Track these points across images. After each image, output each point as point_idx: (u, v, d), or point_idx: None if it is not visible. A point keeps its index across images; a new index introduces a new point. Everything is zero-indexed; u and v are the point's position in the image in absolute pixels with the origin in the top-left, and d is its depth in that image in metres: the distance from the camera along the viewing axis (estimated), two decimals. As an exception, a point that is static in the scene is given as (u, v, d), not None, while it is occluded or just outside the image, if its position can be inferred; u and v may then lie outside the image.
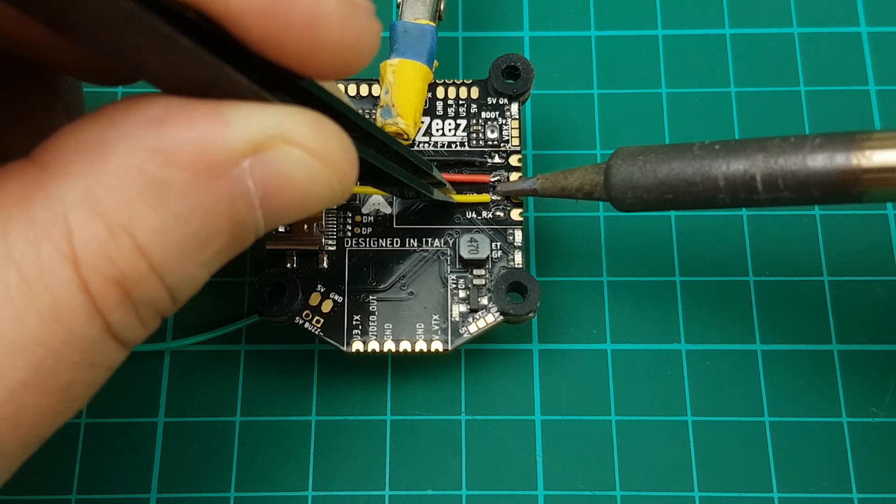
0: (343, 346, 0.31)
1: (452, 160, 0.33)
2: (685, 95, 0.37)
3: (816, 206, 0.36)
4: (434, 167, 0.30)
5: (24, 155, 0.19)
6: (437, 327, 0.31)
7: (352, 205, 0.33)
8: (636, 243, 0.36)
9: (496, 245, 0.32)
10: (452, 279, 0.32)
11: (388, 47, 0.33)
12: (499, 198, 0.32)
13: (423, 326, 0.31)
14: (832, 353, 0.34)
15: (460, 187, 0.32)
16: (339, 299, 0.32)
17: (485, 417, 0.34)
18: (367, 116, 0.33)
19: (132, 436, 0.33)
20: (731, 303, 0.35)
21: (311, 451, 0.33)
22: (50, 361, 0.18)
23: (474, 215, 0.32)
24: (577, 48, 0.38)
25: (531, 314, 0.31)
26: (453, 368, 0.34)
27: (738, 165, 0.27)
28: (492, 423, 0.33)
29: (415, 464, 0.33)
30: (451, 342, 0.31)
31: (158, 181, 0.19)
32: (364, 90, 0.33)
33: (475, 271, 0.32)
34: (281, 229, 0.31)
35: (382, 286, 0.32)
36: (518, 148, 0.33)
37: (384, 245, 0.32)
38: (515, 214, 0.32)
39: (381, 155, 0.26)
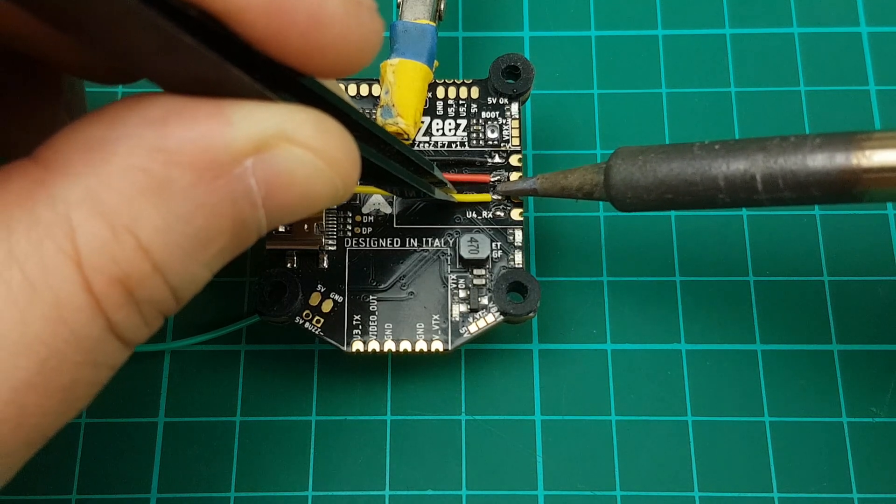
0: (343, 346, 0.31)
1: (453, 160, 0.33)
2: (685, 95, 0.37)
3: (816, 206, 0.36)
4: (435, 166, 0.30)
5: (26, 153, 0.19)
6: (437, 327, 0.31)
7: (352, 205, 0.33)
8: (636, 243, 0.36)
9: (496, 245, 0.32)
10: (452, 279, 0.32)
11: (389, 47, 0.33)
12: (499, 197, 0.32)
13: (423, 326, 0.31)
14: (832, 353, 0.34)
15: (460, 187, 0.32)
16: (340, 299, 0.32)
17: (485, 417, 0.34)
18: (368, 116, 0.33)
19: (132, 436, 0.33)
20: (731, 303, 0.35)
21: (311, 451, 0.33)
22: (53, 361, 0.18)
23: (474, 215, 0.32)
24: (577, 48, 0.38)
25: (531, 314, 0.31)
26: (453, 368, 0.34)
27: (738, 165, 0.27)
28: (492, 423, 0.33)
29: (415, 464, 0.33)
30: (452, 342, 0.31)
31: (161, 181, 0.19)
32: (364, 90, 0.33)
33: (475, 271, 0.32)
34: (281, 229, 0.31)
35: (382, 286, 0.32)
36: (518, 148, 0.33)
37: (384, 245, 0.32)
38: (515, 214, 0.32)
39: (382, 154, 0.26)
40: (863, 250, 0.35)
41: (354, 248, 0.32)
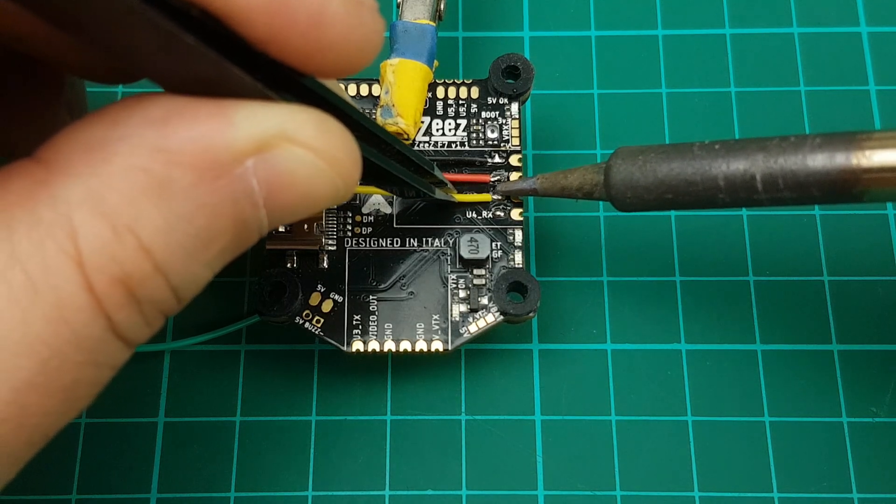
0: (343, 346, 0.31)
1: (452, 160, 0.33)
2: (685, 95, 0.37)
3: (816, 206, 0.36)
4: (435, 166, 0.30)
5: (27, 153, 0.19)
6: (437, 327, 0.31)
7: (352, 205, 0.33)
8: (636, 243, 0.36)
9: (496, 245, 0.32)
10: (452, 279, 0.32)
11: (389, 47, 0.33)
12: (499, 197, 0.32)
13: (423, 326, 0.31)
14: (832, 353, 0.34)
15: (460, 187, 0.32)
16: (340, 299, 0.32)
17: (485, 417, 0.34)
18: (368, 116, 0.33)
19: (132, 436, 0.33)
20: (731, 303, 0.35)
21: (311, 451, 0.33)
22: (54, 361, 0.18)
23: (474, 215, 0.32)
24: (577, 48, 0.38)
25: (531, 314, 0.31)
26: (453, 368, 0.34)
27: (738, 165, 0.27)
28: (492, 423, 0.33)
29: (415, 464, 0.33)
30: (451, 342, 0.31)
31: (162, 181, 0.19)
32: (364, 90, 0.33)
33: (475, 271, 0.32)
34: (281, 229, 0.31)
35: (382, 286, 0.32)
36: (518, 148, 0.33)
37: (384, 245, 0.32)
38: (515, 214, 0.32)
39: (383, 154, 0.26)
40: (863, 250, 0.35)
41: (354, 248, 0.32)
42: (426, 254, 0.32)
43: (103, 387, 0.20)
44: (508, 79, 0.33)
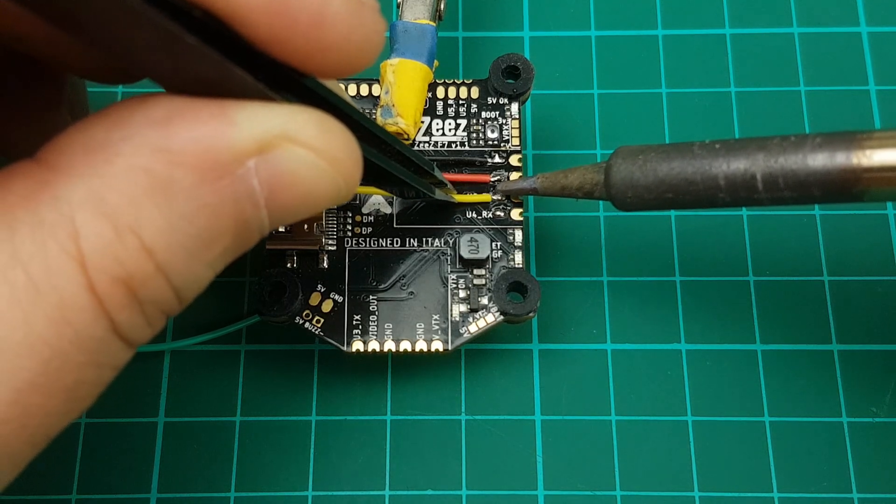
0: (343, 345, 0.31)
1: (453, 160, 0.33)
2: (685, 95, 0.37)
3: (816, 206, 0.36)
4: (435, 167, 0.30)
5: (29, 154, 0.19)
6: (437, 327, 0.31)
7: (352, 205, 0.33)
8: (636, 243, 0.36)
9: (496, 245, 0.32)
10: (452, 279, 0.32)
11: (389, 47, 0.33)
12: (499, 197, 0.32)
13: (423, 326, 0.31)
14: (832, 353, 0.34)
15: (460, 187, 0.32)
16: (340, 299, 0.32)
17: (485, 417, 0.34)
18: (368, 116, 0.33)
19: (132, 436, 0.33)
20: (731, 303, 0.35)
21: (311, 451, 0.33)
22: (56, 362, 0.18)
23: (474, 215, 0.32)
24: (577, 48, 0.38)
25: (531, 314, 0.31)
26: (453, 368, 0.34)
27: (738, 164, 0.27)
28: (492, 423, 0.33)
29: (415, 464, 0.33)
30: (451, 342, 0.31)
31: (164, 181, 0.19)
32: (364, 90, 0.33)
33: (475, 271, 0.32)
34: (281, 229, 0.31)
35: (382, 286, 0.32)
36: (518, 148, 0.33)
37: (384, 245, 0.32)
38: (515, 214, 0.32)
39: (383, 154, 0.26)
40: (863, 250, 0.35)
41: (354, 248, 0.32)
42: (426, 254, 0.32)
43: (105, 387, 0.20)
44: (508, 79, 0.33)
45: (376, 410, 0.34)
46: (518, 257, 0.32)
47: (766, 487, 0.33)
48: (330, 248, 0.32)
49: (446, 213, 0.32)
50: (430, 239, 0.32)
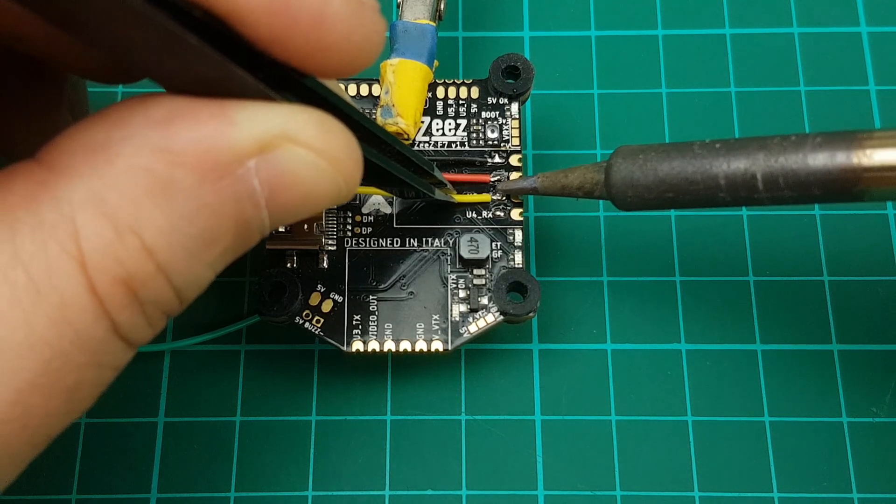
0: (343, 346, 0.31)
1: (453, 160, 0.33)
2: (685, 95, 0.37)
3: (816, 206, 0.36)
4: (435, 167, 0.30)
5: (29, 154, 0.19)
6: (437, 327, 0.31)
7: (352, 205, 0.32)
8: (636, 243, 0.36)
9: (496, 245, 0.32)
10: (452, 279, 0.32)
11: (389, 47, 0.33)
12: (499, 197, 0.32)
13: (423, 326, 0.31)
14: (832, 353, 0.34)
15: (460, 187, 0.32)
16: (339, 299, 0.32)
17: (485, 417, 0.34)
18: (368, 116, 0.33)
19: (132, 436, 0.33)
20: (731, 303, 0.35)
21: (311, 451, 0.33)
22: (57, 362, 0.18)
23: (474, 215, 0.32)
24: (577, 48, 0.38)
25: (531, 314, 0.31)
26: (453, 368, 0.34)
27: (738, 164, 0.27)
28: (492, 423, 0.33)
29: (415, 464, 0.33)
30: (451, 342, 0.31)
31: (165, 181, 0.19)
32: (364, 90, 0.33)
33: (475, 271, 0.32)
34: (281, 229, 0.31)
35: (382, 286, 0.32)
36: (518, 148, 0.33)
37: (384, 245, 0.32)
38: (515, 214, 0.32)
39: (383, 154, 0.26)
40: (863, 250, 0.35)
41: (354, 248, 0.32)
42: (426, 254, 0.32)
43: (106, 387, 0.20)
44: (508, 79, 0.33)
45: (376, 410, 0.34)
46: (518, 257, 0.32)
47: (766, 487, 0.33)
48: (330, 248, 0.32)
49: (446, 213, 0.32)
50: (430, 239, 0.32)
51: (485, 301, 0.31)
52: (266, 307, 0.31)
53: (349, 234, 0.32)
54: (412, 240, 0.32)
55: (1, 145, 0.26)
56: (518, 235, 0.32)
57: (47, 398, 0.19)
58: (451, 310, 0.31)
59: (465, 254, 0.32)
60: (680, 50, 0.38)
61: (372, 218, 0.32)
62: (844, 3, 0.39)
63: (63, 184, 0.18)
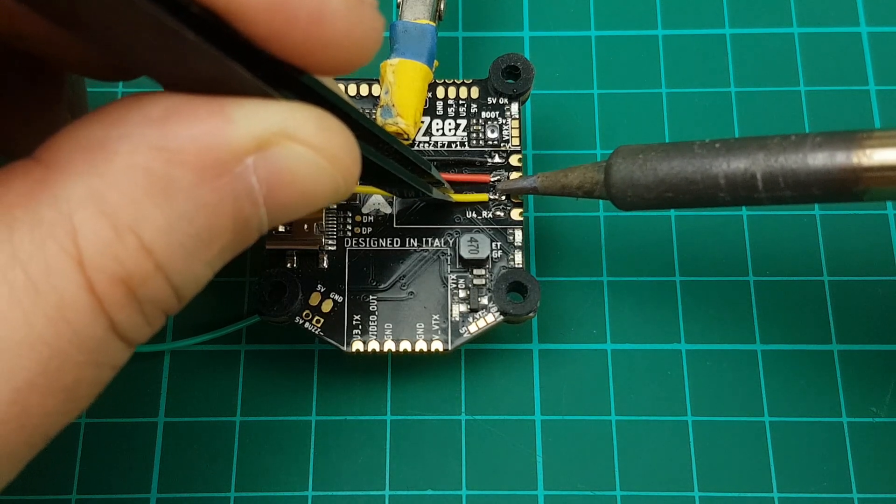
0: (343, 346, 0.31)
1: (452, 160, 0.33)
2: (685, 95, 0.37)
3: (816, 206, 0.36)
4: (433, 166, 0.30)
5: (28, 152, 0.19)
6: (437, 327, 0.31)
7: (352, 205, 0.32)
8: (636, 243, 0.36)
9: (496, 245, 0.32)
10: (452, 279, 0.32)
11: (389, 47, 0.33)
12: (497, 196, 0.32)
13: (423, 326, 0.31)
14: (832, 353, 0.34)
15: (460, 187, 0.32)
16: (339, 299, 0.32)
17: (485, 417, 0.34)
18: (368, 116, 0.33)
19: (132, 436, 0.33)
20: (731, 303, 0.35)
21: (311, 451, 0.33)
22: (56, 362, 0.18)
23: (474, 215, 0.32)
24: (577, 48, 0.38)
25: (531, 314, 0.31)
26: (453, 368, 0.34)
27: (738, 164, 0.27)
28: (492, 423, 0.33)
29: (415, 464, 0.33)
30: (451, 342, 0.31)
31: (163, 180, 0.18)
32: (364, 90, 0.33)
33: (475, 271, 0.32)
34: (281, 229, 0.31)
35: (382, 286, 0.32)
36: (518, 148, 0.33)
37: (384, 245, 0.32)
38: (515, 214, 0.32)
39: (381, 153, 0.26)
40: (863, 250, 0.35)
41: (354, 248, 0.32)
42: (426, 254, 0.32)
43: (104, 387, 0.20)
44: (508, 79, 0.33)
45: (376, 410, 0.34)
46: (518, 257, 0.32)
47: (766, 487, 0.33)
48: (330, 248, 0.32)
49: (446, 214, 0.32)
50: (429, 239, 0.32)
51: (485, 301, 0.31)
52: (266, 307, 0.31)
53: (349, 234, 0.32)
54: (412, 240, 0.32)
55: (0, 144, 0.26)
56: (518, 235, 0.32)
57: (46, 397, 0.19)
58: (451, 310, 0.31)
59: (465, 254, 0.32)
60: (680, 50, 0.38)
61: (372, 218, 0.32)
62: (844, 3, 0.39)
63: (61, 182, 0.18)
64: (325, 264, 0.32)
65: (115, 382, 0.21)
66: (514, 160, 0.33)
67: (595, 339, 0.34)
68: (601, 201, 0.35)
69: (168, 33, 0.18)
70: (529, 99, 0.36)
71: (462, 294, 0.32)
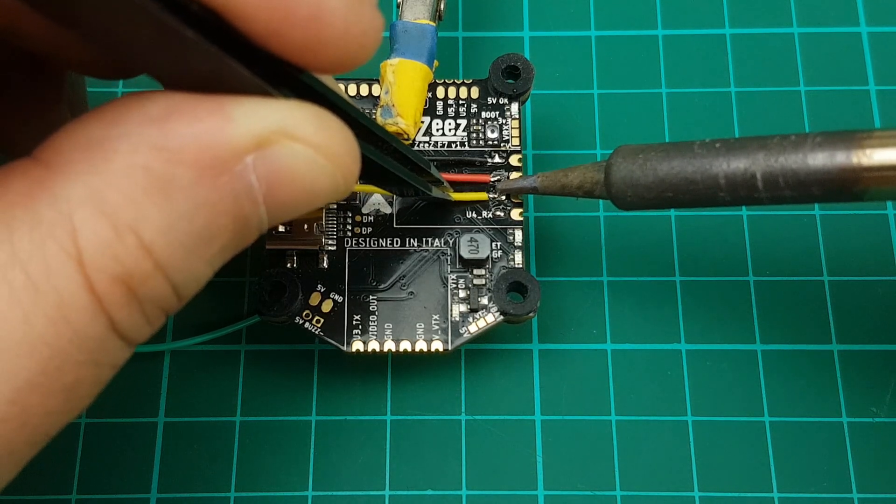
0: (343, 346, 0.31)
1: (453, 160, 0.33)
2: (685, 95, 0.37)
3: (816, 206, 0.36)
4: (432, 166, 0.30)
5: (28, 151, 0.19)
6: (437, 327, 0.31)
7: (352, 204, 0.32)
8: (636, 243, 0.36)
9: (496, 245, 0.32)
10: (452, 279, 0.32)
11: (389, 47, 0.33)
12: (497, 196, 0.32)
13: (423, 326, 0.31)
14: (832, 353, 0.34)
15: (460, 187, 0.32)
16: (339, 299, 0.32)
17: (485, 417, 0.34)
18: (367, 115, 0.33)
19: (132, 436, 0.33)
20: (731, 303, 0.35)
21: (311, 451, 0.33)
22: (56, 361, 0.18)
23: (474, 215, 0.32)
24: (577, 48, 0.38)
25: (531, 314, 0.31)
26: (453, 368, 0.34)
27: (738, 164, 0.27)
28: (492, 423, 0.33)
29: (415, 464, 0.33)
30: (451, 342, 0.31)
31: (163, 179, 0.18)
32: (364, 90, 0.33)
33: (475, 271, 0.32)
34: (281, 229, 0.31)
35: (382, 286, 0.32)
36: (518, 148, 0.33)
37: (384, 245, 0.32)
38: (515, 214, 0.32)
39: (381, 151, 0.26)
40: (863, 250, 0.35)
41: (354, 248, 0.32)
42: (426, 254, 0.32)
43: (104, 386, 0.20)
44: (508, 79, 0.33)
45: (376, 410, 0.34)
46: (518, 257, 0.32)
47: (766, 487, 0.33)
48: (330, 248, 0.32)
49: (446, 213, 0.32)
50: (430, 239, 0.32)
51: (485, 301, 0.31)
52: (266, 307, 0.31)
53: (349, 234, 0.32)
54: (412, 240, 0.32)
55: (0, 143, 0.26)
56: (518, 235, 0.32)
57: (46, 397, 0.19)
58: (451, 310, 0.31)
59: (465, 254, 0.32)
60: (680, 50, 0.38)
61: (372, 218, 0.32)
62: (844, 3, 0.39)
63: (61, 182, 0.18)
64: (325, 264, 0.32)
65: (115, 382, 0.21)
66: (514, 160, 0.33)
67: (595, 339, 0.34)
68: (601, 201, 0.35)
69: (168, 31, 0.18)
70: (529, 99, 0.36)
71: (462, 294, 0.32)
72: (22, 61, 0.25)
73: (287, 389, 0.34)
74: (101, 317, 0.19)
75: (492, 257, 0.32)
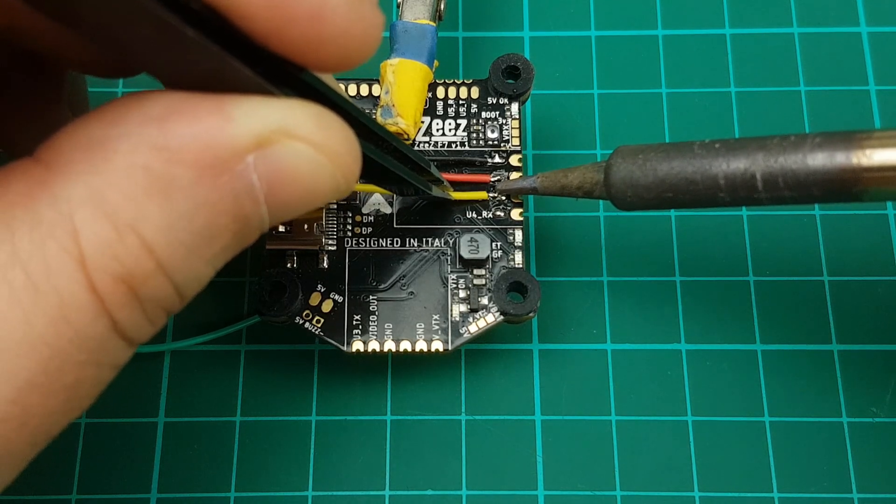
0: (343, 346, 0.31)
1: (453, 160, 0.33)
2: (685, 95, 0.37)
3: (816, 206, 0.36)
4: (432, 165, 0.30)
5: (29, 151, 0.19)
6: (437, 327, 0.31)
7: (352, 204, 0.32)
8: (636, 243, 0.36)
9: (496, 245, 0.32)
10: (452, 279, 0.32)
11: (389, 47, 0.33)
12: (497, 195, 0.32)
13: (423, 326, 0.31)
14: (832, 353, 0.34)
15: (460, 187, 0.32)
16: (340, 299, 0.32)
17: (485, 417, 0.34)
18: (367, 114, 0.33)
19: (132, 436, 0.33)
20: (731, 303, 0.35)
21: (311, 451, 0.33)
22: (57, 361, 0.18)
23: (474, 215, 0.32)
24: (577, 48, 0.38)
25: (531, 314, 0.31)
26: (453, 368, 0.34)
27: (738, 164, 0.27)
28: (492, 423, 0.33)
29: (415, 464, 0.33)
30: (452, 342, 0.31)
31: (164, 179, 0.18)
32: (364, 90, 0.33)
33: (475, 271, 0.32)
34: (281, 229, 0.31)
35: (382, 286, 0.32)
36: (518, 148, 0.33)
37: (384, 245, 0.32)
38: (516, 214, 0.32)
39: (381, 151, 0.26)
40: (863, 250, 0.35)
41: (354, 248, 0.32)
42: (426, 254, 0.32)
43: (105, 386, 0.20)
44: (508, 79, 0.33)
45: (376, 410, 0.34)
46: (518, 257, 0.32)
47: (766, 487, 0.33)
48: (330, 248, 0.32)
49: (446, 213, 0.32)
50: (430, 239, 0.32)
51: (485, 301, 0.31)
52: (266, 307, 0.31)
53: (349, 234, 0.32)
54: (412, 240, 0.32)
55: (1, 143, 0.26)
56: (518, 235, 0.32)
57: (46, 397, 0.19)
58: (451, 310, 0.31)
59: (465, 254, 0.32)
60: (680, 50, 0.38)
61: (372, 218, 0.32)
62: (844, 3, 0.39)
63: (61, 182, 0.18)
64: (325, 264, 0.32)
65: (115, 382, 0.21)
66: (514, 160, 0.33)
67: (595, 339, 0.34)
68: (601, 201, 0.35)
69: (168, 30, 0.18)
70: (529, 99, 0.36)
71: (462, 294, 0.32)
72: (22, 61, 0.25)
73: (287, 389, 0.34)
74: (103, 317, 0.19)
75: (492, 257, 0.32)
